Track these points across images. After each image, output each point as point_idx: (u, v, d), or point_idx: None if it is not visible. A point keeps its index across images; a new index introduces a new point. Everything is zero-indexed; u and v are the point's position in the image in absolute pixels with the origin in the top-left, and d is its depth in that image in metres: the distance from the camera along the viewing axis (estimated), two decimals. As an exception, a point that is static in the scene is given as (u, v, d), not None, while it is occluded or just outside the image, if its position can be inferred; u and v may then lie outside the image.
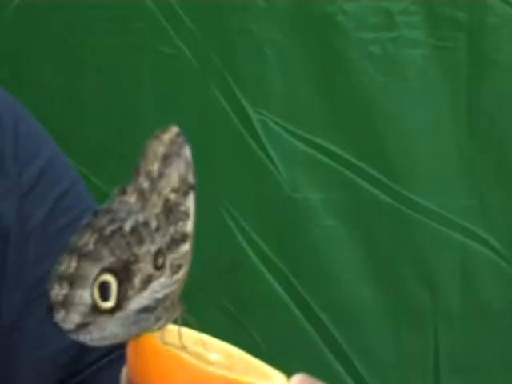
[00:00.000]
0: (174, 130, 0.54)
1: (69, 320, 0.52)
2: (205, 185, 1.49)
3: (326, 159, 1.40)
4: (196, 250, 1.26)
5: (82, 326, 0.51)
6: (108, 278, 0.52)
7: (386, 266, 1.40)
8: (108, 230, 0.52)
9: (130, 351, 0.56)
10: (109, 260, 0.51)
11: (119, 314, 0.51)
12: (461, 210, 1.43)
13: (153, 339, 0.54)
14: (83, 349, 0.75)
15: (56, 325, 0.54)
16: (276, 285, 1.41)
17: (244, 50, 1.43)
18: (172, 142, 0.53)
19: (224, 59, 1.41)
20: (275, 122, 1.39)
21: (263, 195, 1.45)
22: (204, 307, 1.41)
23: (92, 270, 0.50)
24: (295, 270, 1.42)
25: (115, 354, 0.77)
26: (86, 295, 0.50)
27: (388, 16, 1.36)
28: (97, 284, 0.51)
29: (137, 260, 0.53)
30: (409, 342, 1.41)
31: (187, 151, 0.54)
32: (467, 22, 1.36)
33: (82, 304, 0.51)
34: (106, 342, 0.54)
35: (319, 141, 1.40)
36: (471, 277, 1.43)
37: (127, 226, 0.52)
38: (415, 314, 1.42)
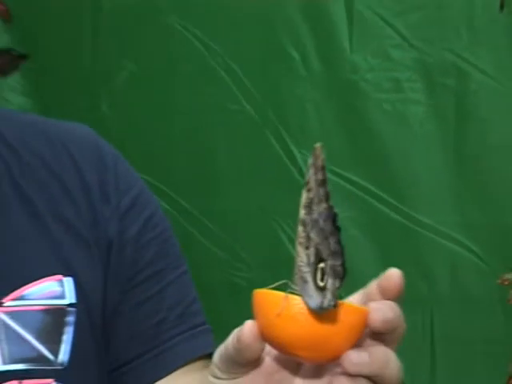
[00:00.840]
0: (319, 146, 0.71)
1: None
2: (262, 205, 1.94)
3: (349, 187, 1.81)
4: (253, 254, 1.67)
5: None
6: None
7: (394, 264, 1.70)
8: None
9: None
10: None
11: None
12: (451, 225, 1.82)
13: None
14: (164, 326, 0.96)
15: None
16: None
17: (291, 106, 1.84)
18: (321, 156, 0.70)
19: (276, 114, 1.81)
20: None
21: None
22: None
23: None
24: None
25: (199, 328, 0.96)
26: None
27: (397, 82, 1.78)
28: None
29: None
30: (411, 319, 1.73)
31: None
32: (455, 87, 1.76)
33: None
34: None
35: (345, 173, 1.80)
36: (458, 273, 1.82)
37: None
38: (416, 300, 1.80)
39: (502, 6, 1.80)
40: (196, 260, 1.86)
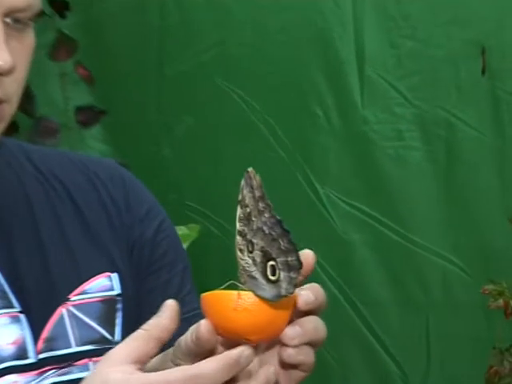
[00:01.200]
0: (251, 171, 0.82)
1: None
2: (292, 231, 2.14)
3: (361, 215, 2.09)
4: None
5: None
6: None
7: (395, 275, 2.09)
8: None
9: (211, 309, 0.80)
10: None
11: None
12: (442, 245, 2.09)
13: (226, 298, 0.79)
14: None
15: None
16: (333, 288, 2.07)
17: (315, 152, 2.13)
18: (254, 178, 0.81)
19: (304, 158, 2.11)
20: (333, 194, 2.10)
21: (326, 237, 2.12)
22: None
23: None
24: (346, 280, 2.09)
25: (193, 312, 1.01)
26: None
27: (399, 133, 2.06)
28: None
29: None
30: (411, 320, 2.07)
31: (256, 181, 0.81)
32: (445, 136, 2.05)
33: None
34: None
35: (357, 204, 2.08)
36: (448, 284, 2.09)
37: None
38: (415, 306, 2.08)
39: (483, 71, 2.03)
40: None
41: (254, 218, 0.81)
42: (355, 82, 2.13)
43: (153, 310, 0.91)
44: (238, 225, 0.84)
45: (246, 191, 0.82)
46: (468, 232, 2.12)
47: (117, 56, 2.37)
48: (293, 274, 0.79)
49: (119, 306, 1.08)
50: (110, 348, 0.93)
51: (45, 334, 1.10)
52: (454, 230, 2.12)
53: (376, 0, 2.13)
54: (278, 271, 0.79)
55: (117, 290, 1.08)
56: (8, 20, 1.05)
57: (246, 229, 0.82)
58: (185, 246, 1.49)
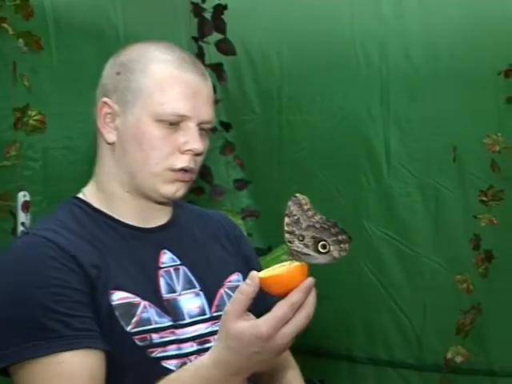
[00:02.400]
0: (299, 195, 1.10)
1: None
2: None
3: (387, 237, 2.92)
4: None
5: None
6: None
7: (406, 270, 2.90)
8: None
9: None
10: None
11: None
12: (431, 253, 2.90)
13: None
14: None
15: None
16: (371, 276, 2.93)
17: (361, 202, 2.87)
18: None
19: (355, 205, 2.92)
20: (372, 226, 2.93)
21: (368, 250, 2.89)
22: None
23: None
24: (378, 271, 2.92)
25: None
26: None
27: (408, 193, 2.84)
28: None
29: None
30: (413, 295, 2.91)
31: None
32: (434, 195, 2.80)
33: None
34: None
35: (385, 231, 2.91)
36: (435, 276, 2.88)
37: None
38: (416, 287, 2.92)
39: (454, 160, 2.75)
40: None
41: (302, 221, 1.01)
42: (384, 164, 2.92)
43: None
44: (285, 228, 1.07)
45: (293, 207, 1.04)
46: (447, 246, 2.90)
47: (257, 154, 3.09)
48: (343, 245, 1.01)
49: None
50: None
51: (215, 302, 1.46)
52: (438, 244, 2.92)
53: (396, 119, 2.87)
54: (328, 246, 0.99)
55: (240, 282, 1.38)
56: (198, 128, 1.44)
57: (294, 228, 1.02)
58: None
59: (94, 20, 2.62)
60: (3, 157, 2.21)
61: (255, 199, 3.11)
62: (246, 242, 1.62)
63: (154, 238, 1.45)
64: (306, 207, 1.06)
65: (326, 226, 1.07)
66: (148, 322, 1.34)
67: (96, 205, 1.47)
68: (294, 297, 1.14)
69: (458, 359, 2.71)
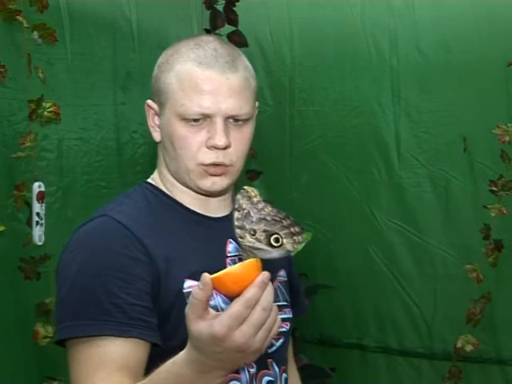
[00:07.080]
0: (247, 188, 1.10)
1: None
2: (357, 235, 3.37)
3: (397, 227, 2.99)
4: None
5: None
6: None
7: (415, 258, 2.95)
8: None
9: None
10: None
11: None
12: (441, 242, 2.96)
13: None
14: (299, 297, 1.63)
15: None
16: (382, 266, 2.99)
17: (373, 194, 2.95)
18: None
19: (367, 197, 2.98)
20: (383, 216, 3.00)
21: (378, 239, 2.99)
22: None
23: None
24: (389, 261, 2.99)
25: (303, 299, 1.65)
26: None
27: (419, 183, 2.91)
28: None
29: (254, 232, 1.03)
30: (424, 283, 2.98)
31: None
32: (443, 185, 2.87)
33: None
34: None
35: (395, 221, 2.97)
36: (446, 264, 2.95)
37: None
38: (426, 276, 2.99)
39: (464, 150, 2.80)
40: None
41: (252, 214, 0.97)
42: (395, 155, 2.96)
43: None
44: (236, 223, 1.02)
45: (242, 201, 1.00)
46: (456, 235, 2.94)
47: (269, 145, 3.10)
48: (296, 238, 0.98)
49: (285, 284, 1.56)
50: (288, 305, 1.49)
51: None
52: (448, 234, 2.97)
53: (406, 110, 2.90)
54: (281, 239, 0.96)
55: (287, 278, 1.60)
56: (230, 120, 1.45)
57: (244, 223, 0.97)
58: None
59: (108, 12, 2.65)
60: (18, 148, 2.24)
61: (267, 190, 3.10)
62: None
63: (220, 227, 1.49)
64: (255, 199, 1.05)
65: (277, 219, 1.05)
66: (215, 309, 1.34)
67: (165, 191, 1.53)
68: (248, 293, 1.13)
69: (468, 348, 2.75)
